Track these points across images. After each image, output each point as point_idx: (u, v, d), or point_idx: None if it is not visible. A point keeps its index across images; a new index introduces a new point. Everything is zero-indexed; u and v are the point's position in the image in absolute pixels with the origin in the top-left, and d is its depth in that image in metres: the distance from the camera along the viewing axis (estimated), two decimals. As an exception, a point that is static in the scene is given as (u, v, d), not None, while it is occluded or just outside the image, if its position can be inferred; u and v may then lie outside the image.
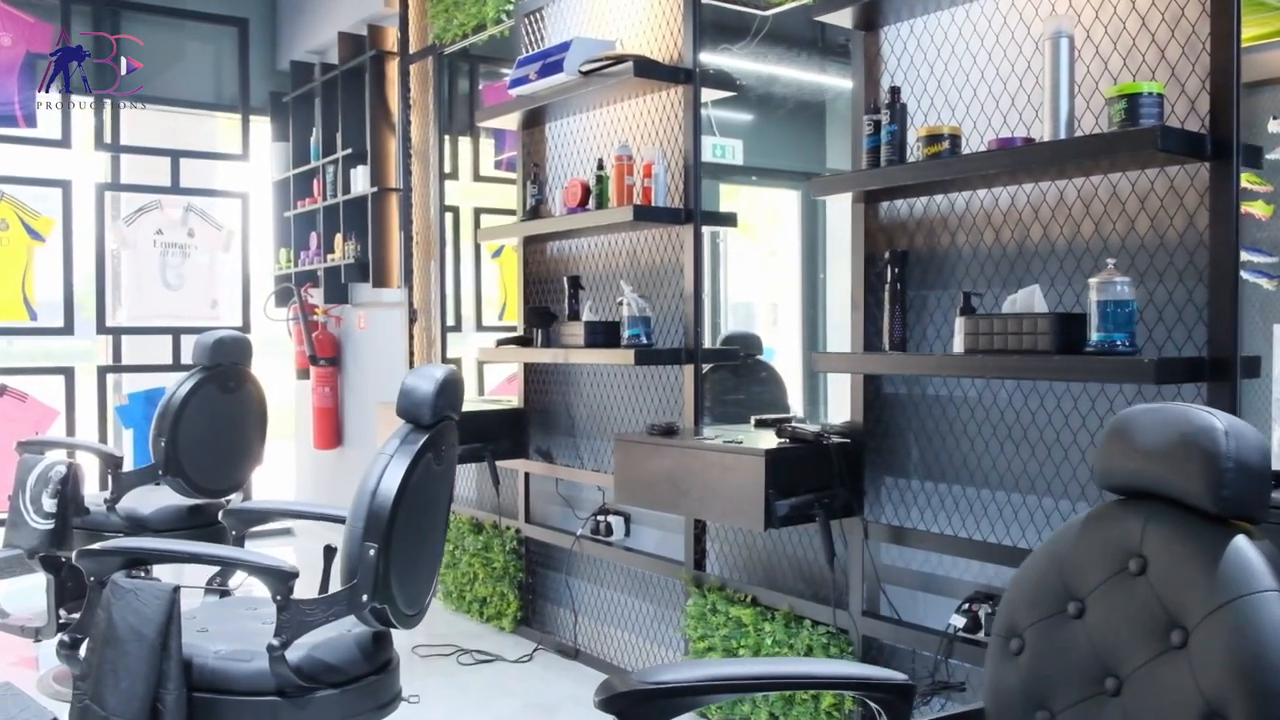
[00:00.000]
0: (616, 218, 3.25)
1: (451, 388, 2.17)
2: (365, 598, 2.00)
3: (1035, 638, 1.41)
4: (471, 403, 4.40)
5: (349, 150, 5.16)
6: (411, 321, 4.91)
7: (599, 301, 3.69)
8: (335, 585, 2.40)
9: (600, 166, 3.53)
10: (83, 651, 1.97)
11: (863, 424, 2.75)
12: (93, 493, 3.51)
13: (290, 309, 5.70)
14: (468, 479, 4.63)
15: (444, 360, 4.75)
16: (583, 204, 3.56)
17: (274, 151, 5.90)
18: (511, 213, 5.39)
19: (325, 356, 5.56)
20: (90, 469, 3.56)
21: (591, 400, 3.83)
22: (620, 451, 3.05)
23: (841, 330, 3.85)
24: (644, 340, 3.30)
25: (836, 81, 3.70)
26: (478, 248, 5.35)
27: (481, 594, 4.24)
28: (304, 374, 5.71)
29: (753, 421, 3.23)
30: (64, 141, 5.29)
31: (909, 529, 2.69)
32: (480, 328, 5.29)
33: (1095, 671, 1.33)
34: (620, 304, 3.35)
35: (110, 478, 3.30)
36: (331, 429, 5.59)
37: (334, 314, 5.67)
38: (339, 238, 5.31)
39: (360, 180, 5.07)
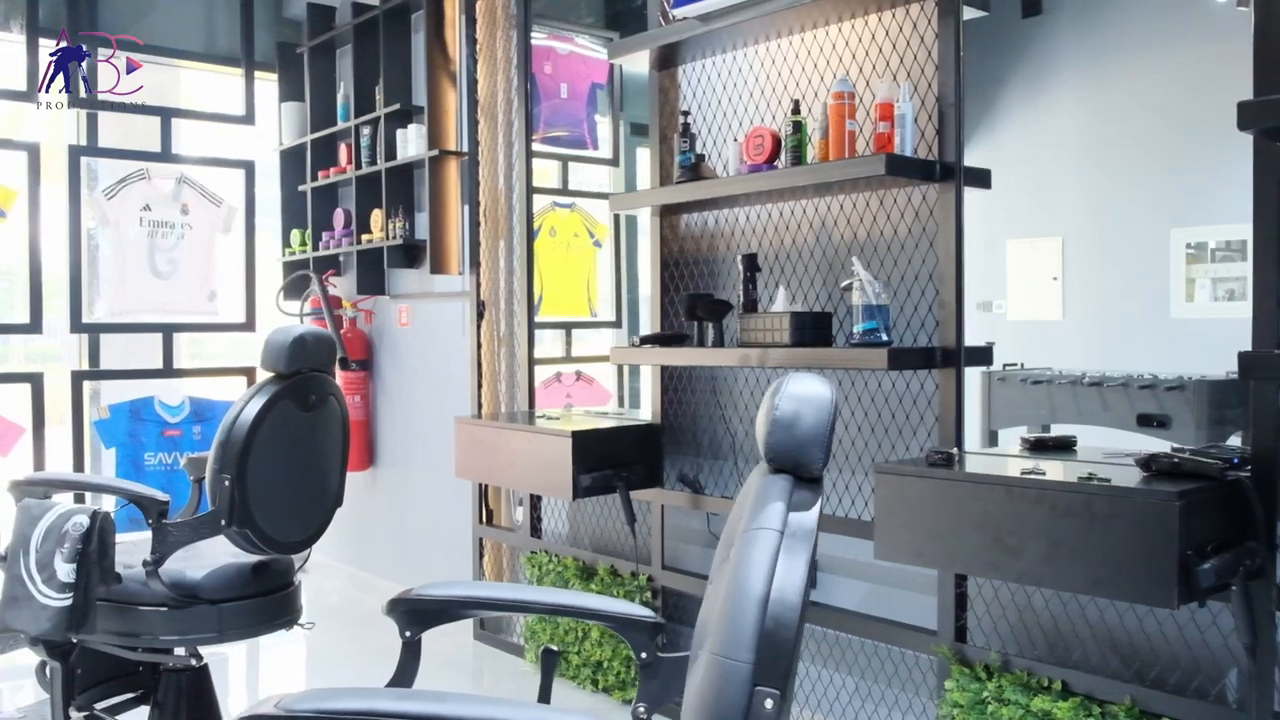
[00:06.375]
0: (854, 172, 2.41)
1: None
2: (760, 781, 1.14)
3: None
4: (582, 418, 3.53)
5: (395, 106, 4.22)
6: (479, 315, 4.00)
7: (794, 289, 2.85)
8: None
9: (796, 110, 2.70)
10: None
11: (1271, 449, 1.96)
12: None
13: (308, 302, 4.72)
14: (558, 510, 3.75)
15: (530, 365, 3.85)
16: (770, 160, 2.72)
17: (285, 113, 4.91)
18: (551, 192, 4.56)
19: (357, 359, 4.61)
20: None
21: (752, 412, 2.98)
22: (886, 489, 2.22)
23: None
24: (883, 336, 2.47)
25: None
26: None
27: (595, 657, 3.35)
28: (326, 380, 4.73)
29: (1020, 445, 2.45)
30: (29, 94, 4.25)
31: (1332, 597, 1.92)
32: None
33: None
34: (848, 288, 2.52)
35: (153, 531, 2.35)
36: (362, 446, 4.64)
37: (364, 307, 4.71)
38: (377, 214, 4.36)
39: (412, 142, 4.14)
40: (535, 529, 3.77)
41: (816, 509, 1.26)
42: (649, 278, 3.27)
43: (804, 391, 1.29)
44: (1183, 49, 2.58)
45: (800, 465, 1.28)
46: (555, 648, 1.67)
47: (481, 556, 4.03)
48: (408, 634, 1.64)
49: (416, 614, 1.64)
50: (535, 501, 3.77)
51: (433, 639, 1.64)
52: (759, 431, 1.32)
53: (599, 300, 4.69)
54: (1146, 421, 2.62)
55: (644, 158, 4.85)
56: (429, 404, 4.39)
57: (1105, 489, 1.89)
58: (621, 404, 4.57)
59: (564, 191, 4.60)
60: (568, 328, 4.59)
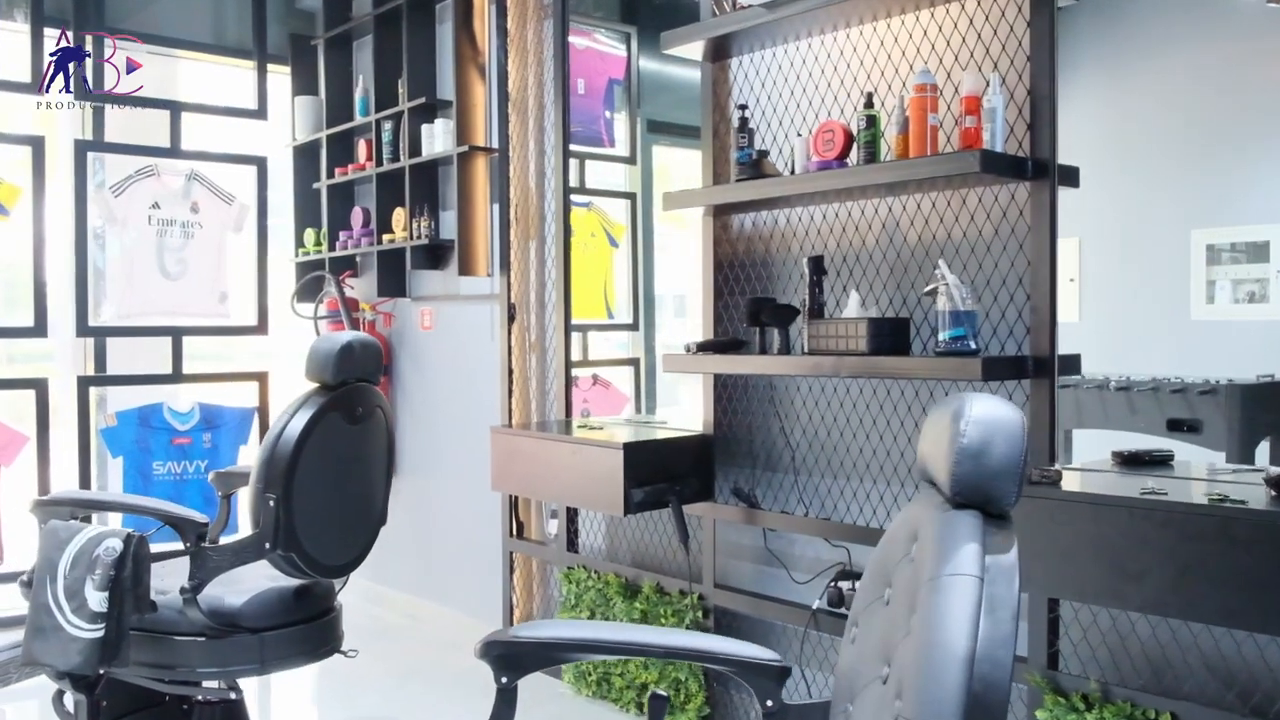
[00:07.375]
0: (944, 169, 2.25)
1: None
2: None
3: None
4: (623, 427, 3.37)
5: (419, 100, 4.04)
6: (510, 319, 3.83)
7: (864, 293, 2.70)
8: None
9: (869, 103, 2.54)
10: None
11: None
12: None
13: (323, 304, 4.54)
14: (595, 522, 3.59)
15: (568, 371, 3.68)
16: (841, 156, 2.56)
17: (298, 108, 4.72)
18: (571, 190, 4.39)
19: (376, 364, 4.42)
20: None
21: (814, 424, 2.83)
22: (1030, 510, 2.06)
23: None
24: (971, 344, 2.32)
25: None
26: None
27: (640, 679, 3.19)
28: (342, 385, 4.54)
29: (1111, 459, 2.31)
30: (34, 86, 4.06)
31: None
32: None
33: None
34: (932, 292, 2.37)
35: (191, 556, 2.18)
36: (381, 454, 4.46)
37: (383, 310, 4.53)
38: (400, 213, 4.19)
39: (439, 138, 3.96)
40: (571, 542, 3.60)
41: (1015, 550, 1.10)
42: (699, 280, 3.11)
43: (992, 415, 1.13)
44: (1205, 47, 2.49)
45: (990, 500, 1.12)
46: (664, 692, 1.51)
47: (512, 571, 3.86)
48: (504, 680, 1.48)
49: (514, 658, 1.48)
50: (571, 514, 3.61)
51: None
52: (937, 462, 1.16)
53: (616, 302, 4.54)
54: (1177, 426, 2.51)
55: (660, 155, 4.69)
56: (453, 410, 4.22)
57: (1244, 512, 1.75)
58: (638, 409, 4.42)
59: (583, 190, 4.43)
60: (585, 330, 4.43)
